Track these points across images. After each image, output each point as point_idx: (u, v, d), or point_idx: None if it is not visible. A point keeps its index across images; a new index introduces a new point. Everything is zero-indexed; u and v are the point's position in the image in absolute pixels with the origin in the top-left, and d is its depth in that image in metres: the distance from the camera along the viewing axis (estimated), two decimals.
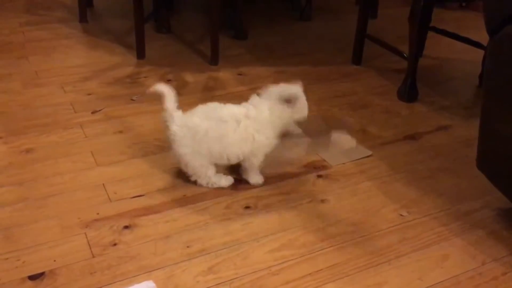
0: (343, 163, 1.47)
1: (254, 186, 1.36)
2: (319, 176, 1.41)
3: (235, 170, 1.39)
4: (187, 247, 1.15)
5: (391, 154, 1.53)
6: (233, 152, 1.30)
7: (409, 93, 1.85)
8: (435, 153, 1.55)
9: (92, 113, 1.69)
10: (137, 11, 2.07)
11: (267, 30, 2.56)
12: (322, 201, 1.32)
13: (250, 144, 1.30)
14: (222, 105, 1.32)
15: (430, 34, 2.07)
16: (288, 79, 1.98)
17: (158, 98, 1.29)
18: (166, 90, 1.28)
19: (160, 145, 1.52)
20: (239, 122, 1.28)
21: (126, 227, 1.20)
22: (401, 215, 1.27)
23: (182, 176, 1.38)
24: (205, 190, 1.33)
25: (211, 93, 1.87)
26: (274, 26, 2.63)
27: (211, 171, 1.32)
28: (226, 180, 1.35)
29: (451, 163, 1.50)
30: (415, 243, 1.19)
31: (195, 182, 1.34)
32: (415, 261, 1.13)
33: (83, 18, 2.54)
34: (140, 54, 2.15)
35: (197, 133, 1.27)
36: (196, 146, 1.28)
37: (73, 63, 2.08)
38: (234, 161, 1.33)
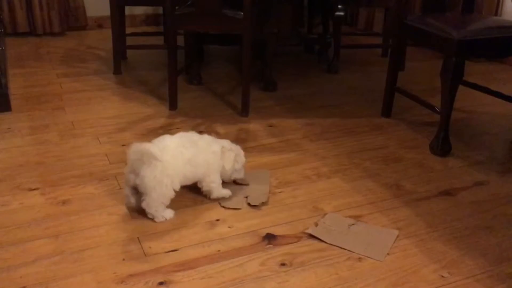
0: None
1: (289, 242, 1.34)
2: None
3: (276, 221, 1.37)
4: None
5: (428, 210, 1.50)
6: None
7: (442, 147, 1.83)
8: (473, 210, 1.51)
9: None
10: (171, 64, 2.14)
11: (296, 83, 2.60)
12: (359, 259, 1.28)
13: None
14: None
15: (460, 87, 2.07)
16: (318, 131, 2.01)
17: None
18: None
19: (193, 198, 1.52)
20: None
21: (161, 283, 1.18)
22: (442, 276, 1.23)
23: (216, 229, 1.37)
24: (239, 245, 1.32)
25: (243, 145, 1.88)
26: (302, 79, 2.68)
27: None
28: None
29: (490, 221, 1.46)
30: None
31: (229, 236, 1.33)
32: None
33: (117, 70, 2.63)
34: (173, 105, 2.20)
35: None
36: None
37: (108, 114, 2.13)
38: None
